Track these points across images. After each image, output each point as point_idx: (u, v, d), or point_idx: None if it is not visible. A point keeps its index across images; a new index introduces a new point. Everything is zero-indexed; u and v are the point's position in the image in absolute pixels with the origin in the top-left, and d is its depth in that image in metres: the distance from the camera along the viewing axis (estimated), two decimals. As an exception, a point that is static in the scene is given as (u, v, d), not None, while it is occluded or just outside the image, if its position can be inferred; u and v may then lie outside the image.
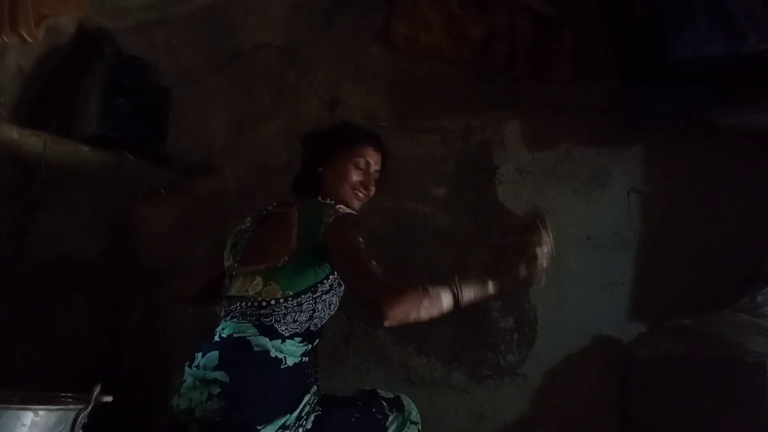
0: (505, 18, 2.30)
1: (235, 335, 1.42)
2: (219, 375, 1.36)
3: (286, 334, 1.42)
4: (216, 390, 1.35)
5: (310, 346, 1.48)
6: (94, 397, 1.31)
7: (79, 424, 1.29)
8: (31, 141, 1.82)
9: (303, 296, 1.44)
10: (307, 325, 1.45)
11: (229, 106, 2.42)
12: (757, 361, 1.66)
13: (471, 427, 2.06)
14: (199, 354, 1.44)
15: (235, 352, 1.40)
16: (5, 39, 1.76)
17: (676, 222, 2.15)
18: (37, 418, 1.22)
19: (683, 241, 2.12)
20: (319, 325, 1.49)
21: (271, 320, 1.42)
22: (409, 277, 1.59)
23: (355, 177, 1.63)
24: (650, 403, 1.94)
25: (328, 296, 1.48)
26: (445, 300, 1.28)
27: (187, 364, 1.46)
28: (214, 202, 2.36)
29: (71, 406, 1.31)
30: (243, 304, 1.45)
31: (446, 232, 2.21)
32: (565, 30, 2.27)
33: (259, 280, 1.45)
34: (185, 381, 1.43)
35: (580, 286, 2.14)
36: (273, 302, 1.42)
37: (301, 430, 1.38)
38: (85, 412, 1.30)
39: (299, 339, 1.44)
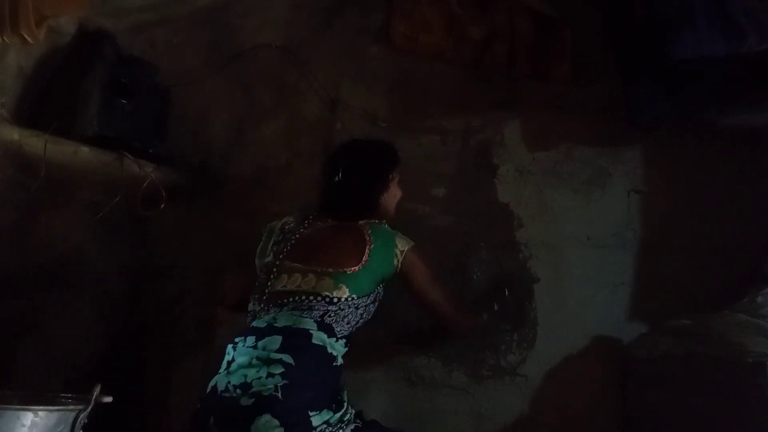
0: (505, 18, 2.29)
1: (294, 327, 1.54)
2: (284, 357, 1.47)
3: (339, 335, 1.60)
4: (278, 369, 1.45)
5: (347, 350, 1.65)
6: (94, 397, 1.32)
7: (79, 425, 1.30)
8: (31, 141, 1.82)
9: (361, 300, 1.64)
10: (351, 328, 1.65)
11: (229, 106, 2.42)
12: (757, 361, 1.66)
13: (471, 427, 2.06)
14: (251, 337, 1.54)
15: (298, 341, 1.53)
16: (6, 39, 1.76)
17: (676, 222, 2.14)
18: (37, 419, 1.22)
19: (683, 241, 2.12)
20: (355, 329, 1.68)
21: (333, 319, 1.59)
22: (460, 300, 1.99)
23: (400, 195, 1.90)
24: (650, 403, 1.94)
25: (374, 305, 1.72)
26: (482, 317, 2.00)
27: (232, 345, 1.58)
28: (214, 202, 2.36)
29: (71, 407, 1.31)
30: (306, 297, 1.59)
31: (446, 232, 2.21)
32: (565, 30, 2.27)
33: (330, 281, 1.61)
34: (234, 360, 1.53)
35: (580, 286, 2.14)
36: (344, 299, 1.60)
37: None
38: (85, 413, 1.31)
39: (344, 341, 1.63)
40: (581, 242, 2.17)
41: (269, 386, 1.41)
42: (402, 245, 1.73)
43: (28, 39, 1.82)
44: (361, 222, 1.74)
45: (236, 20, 2.43)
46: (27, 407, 1.24)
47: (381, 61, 2.37)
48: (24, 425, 1.21)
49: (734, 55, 1.81)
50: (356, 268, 1.63)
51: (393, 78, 2.35)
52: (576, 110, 2.23)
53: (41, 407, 1.26)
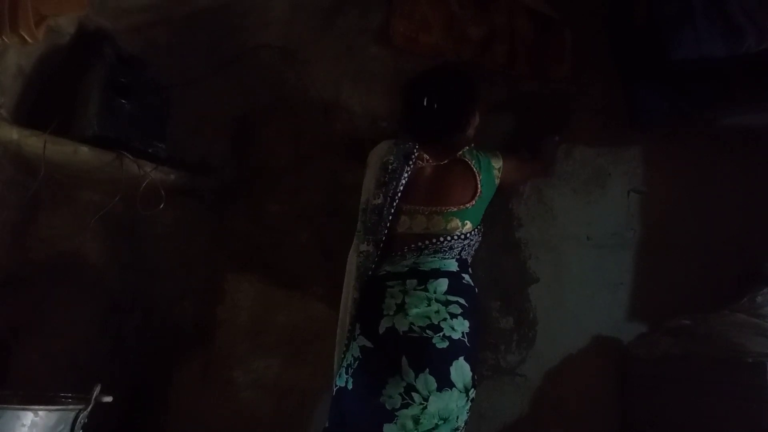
0: (505, 18, 2.29)
1: (443, 270, 1.67)
2: (459, 299, 1.62)
3: (470, 268, 1.76)
4: (458, 310, 1.60)
5: None
6: (94, 397, 1.32)
7: (79, 424, 1.30)
8: (31, 141, 1.81)
9: (479, 226, 1.80)
10: (474, 253, 1.83)
11: (229, 106, 2.42)
12: (757, 361, 1.67)
13: (471, 427, 2.05)
14: (411, 281, 1.63)
15: (458, 283, 1.67)
16: (5, 39, 1.75)
17: (676, 222, 2.15)
18: (37, 419, 1.22)
19: (683, 241, 2.12)
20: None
21: (467, 252, 1.76)
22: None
23: (479, 120, 1.94)
24: (650, 403, 1.94)
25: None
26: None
27: (390, 288, 1.64)
28: (214, 202, 2.36)
29: (71, 407, 1.32)
30: (444, 239, 1.69)
31: (446, 232, 2.21)
32: (565, 30, 2.27)
33: (456, 221, 1.73)
34: (406, 303, 1.60)
35: (580, 286, 2.14)
36: (472, 233, 1.75)
37: None
38: (85, 413, 1.31)
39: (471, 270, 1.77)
40: (581, 242, 2.17)
41: (458, 331, 1.57)
42: (497, 164, 1.85)
43: (28, 39, 1.81)
44: (459, 154, 1.82)
45: (236, 20, 2.43)
46: (27, 407, 1.24)
47: (381, 61, 2.36)
48: (24, 425, 1.22)
49: (734, 55, 1.81)
50: (474, 201, 1.76)
51: (393, 78, 2.35)
52: (576, 110, 2.23)
53: (41, 407, 1.26)
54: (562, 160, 2.22)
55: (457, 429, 1.60)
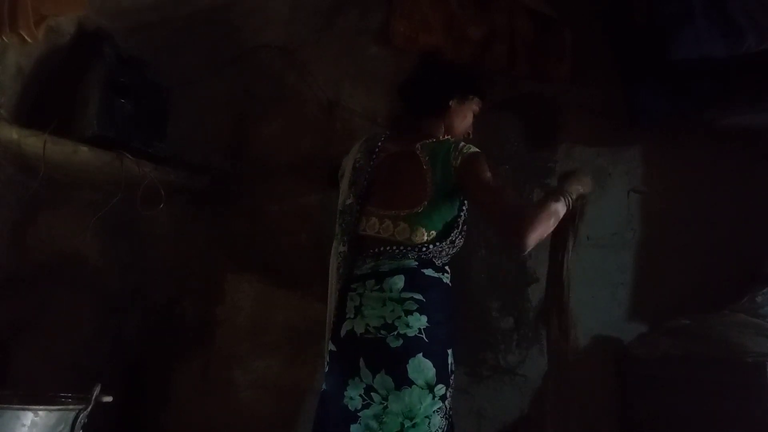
0: (505, 18, 2.30)
1: (400, 267, 1.59)
2: (414, 295, 1.55)
3: (440, 265, 1.64)
4: (413, 306, 1.54)
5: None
6: (94, 397, 1.32)
7: (79, 424, 1.30)
8: (31, 141, 1.81)
9: (452, 233, 1.63)
10: (449, 257, 1.68)
11: (229, 106, 2.42)
12: (757, 361, 1.67)
13: (471, 427, 2.06)
14: (370, 281, 1.59)
15: (418, 278, 1.58)
16: (5, 39, 1.76)
17: (676, 222, 2.15)
18: (37, 419, 1.22)
19: (683, 241, 2.12)
20: (457, 251, 1.70)
21: (429, 256, 1.61)
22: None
23: (470, 121, 1.84)
24: (650, 403, 1.94)
25: (465, 226, 1.68)
26: (562, 210, 1.50)
27: (351, 292, 1.62)
28: (214, 202, 2.36)
29: (71, 407, 1.32)
30: (397, 248, 1.60)
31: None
32: (565, 30, 2.27)
33: (404, 226, 1.60)
34: (363, 304, 1.58)
35: (580, 286, 2.13)
36: (428, 247, 1.59)
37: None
38: (85, 412, 1.31)
39: (447, 268, 1.67)
40: (581, 242, 2.16)
41: (413, 327, 1.51)
42: (455, 159, 1.57)
43: (28, 39, 1.81)
44: (417, 146, 1.64)
45: (236, 20, 2.43)
46: (27, 407, 1.24)
47: (381, 61, 2.36)
48: (24, 425, 1.21)
49: (734, 55, 1.82)
50: (425, 202, 1.58)
51: (393, 78, 2.34)
52: (576, 110, 2.23)
53: (41, 407, 1.26)
54: (562, 160, 2.22)
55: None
